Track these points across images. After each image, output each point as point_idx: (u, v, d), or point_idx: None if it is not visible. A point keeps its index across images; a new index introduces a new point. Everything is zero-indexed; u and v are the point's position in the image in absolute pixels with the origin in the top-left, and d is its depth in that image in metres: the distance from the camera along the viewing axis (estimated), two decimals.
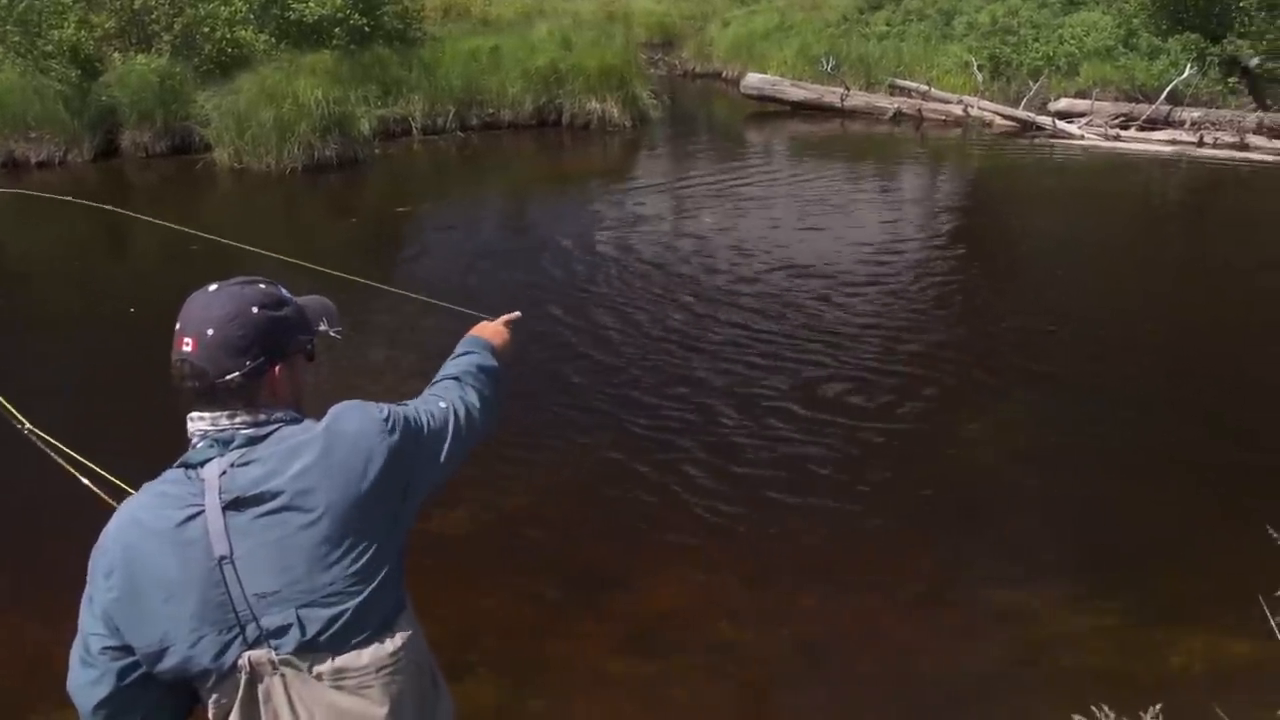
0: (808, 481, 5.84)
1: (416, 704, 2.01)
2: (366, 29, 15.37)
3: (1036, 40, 17.63)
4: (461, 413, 2.21)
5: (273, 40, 15.25)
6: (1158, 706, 2.87)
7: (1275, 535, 3.15)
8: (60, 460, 3.22)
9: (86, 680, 1.93)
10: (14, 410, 3.45)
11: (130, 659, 1.88)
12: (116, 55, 14.42)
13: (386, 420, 2.01)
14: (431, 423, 2.12)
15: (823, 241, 10.26)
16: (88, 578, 1.89)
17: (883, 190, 12.72)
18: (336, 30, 15.23)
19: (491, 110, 15.58)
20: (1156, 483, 5.90)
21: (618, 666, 4.54)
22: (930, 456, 6.18)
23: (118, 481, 2.97)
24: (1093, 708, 2.95)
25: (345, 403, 2.03)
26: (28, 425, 3.34)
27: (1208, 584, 4.92)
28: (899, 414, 6.63)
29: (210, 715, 1.93)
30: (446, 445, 2.12)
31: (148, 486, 1.94)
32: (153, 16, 14.54)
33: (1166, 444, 6.34)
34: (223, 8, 14.96)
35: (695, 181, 13.18)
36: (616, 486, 5.89)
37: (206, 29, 14.59)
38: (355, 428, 1.97)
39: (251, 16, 15.44)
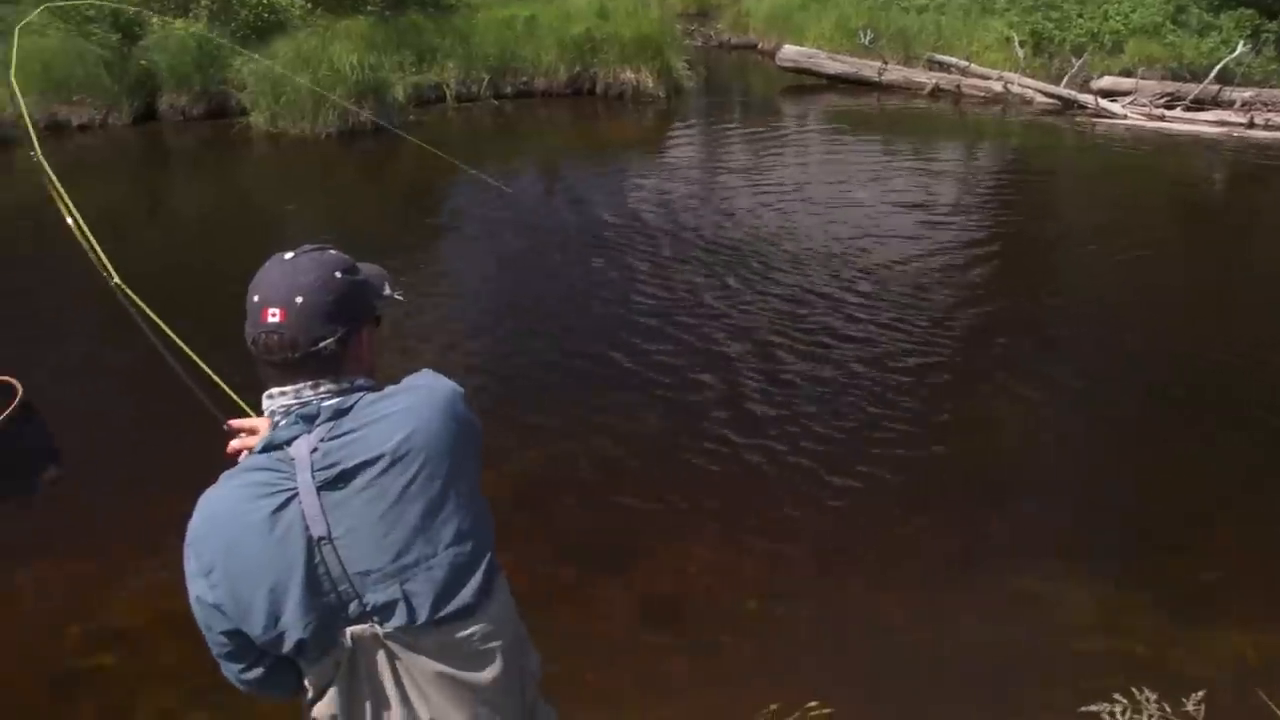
0: (833, 459, 5.83)
1: (516, 666, 2.01)
2: None
3: (1080, 16, 17.36)
4: None
5: (308, 5, 15.21)
6: (1200, 694, 2.85)
7: None
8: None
9: (233, 673, 1.96)
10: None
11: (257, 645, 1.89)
12: (155, 20, 14.44)
13: (461, 388, 2.00)
14: None
15: (854, 218, 10.17)
16: (187, 578, 1.87)
17: (917, 167, 12.58)
18: None
19: (525, 79, 15.50)
20: (1191, 468, 5.84)
21: (634, 638, 4.56)
22: (957, 436, 6.15)
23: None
24: (1133, 690, 2.93)
25: (423, 370, 2.01)
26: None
27: (1246, 569, 4.89)
28: (925, 393, 6.60)
29: (309, 689, 1.94)
30: None
31: (231, 476, 1.91)
32: None
33: (1202, 429, 6.28)
34: None
35: (727, 153, 13.12)
36: (638, 458, 5.91)
37: None
38: (443, 393, 1.96)
39: None
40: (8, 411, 3.20)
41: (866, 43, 18.18)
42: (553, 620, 4.45)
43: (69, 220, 3.59)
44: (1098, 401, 6.55)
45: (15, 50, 7.07)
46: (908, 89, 16.89)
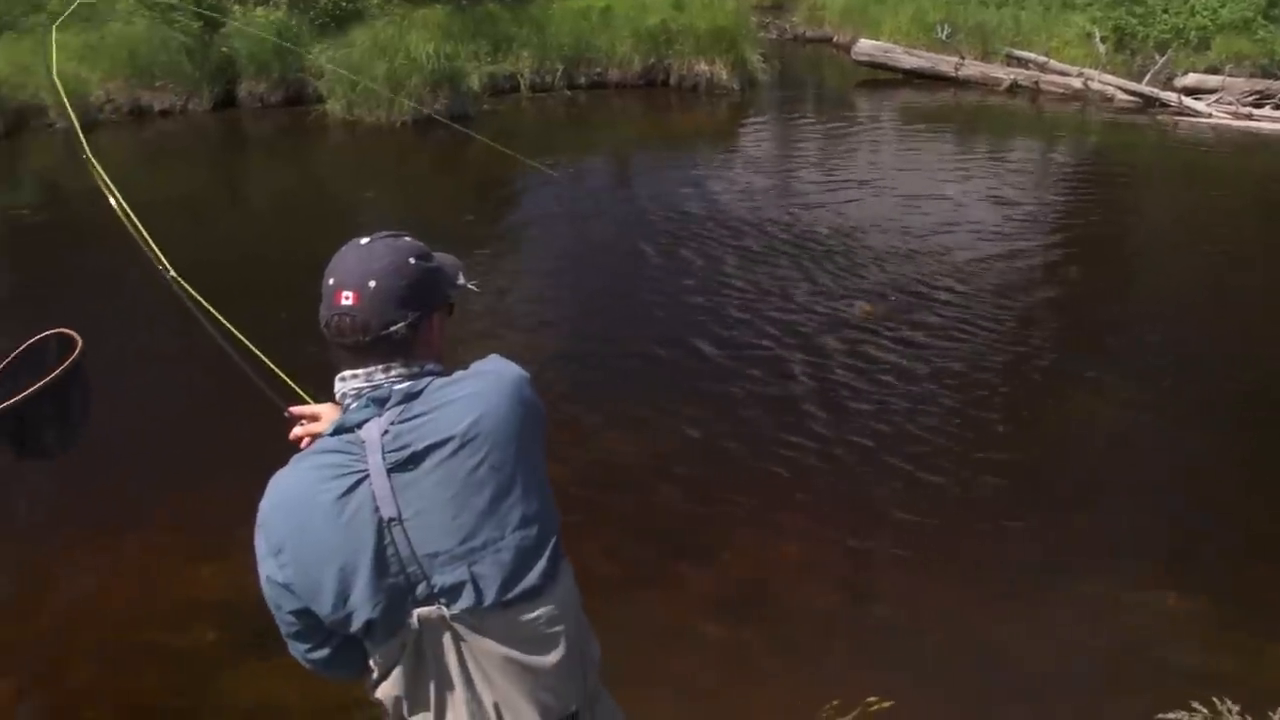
0: (916, 457, 5.77)
1: (579, 652, 2.02)
2: None
3: (1166, 11, 16.92)
4: None
5: None
6: None
7: None
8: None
9: (300, 653, 2.00)
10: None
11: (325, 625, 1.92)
12: (236, 8, 14.69)
13: (527, 373, 2.01)
14: None
15: (929, 214, 10.03)
16: (257, 557, 1.90)
17: (993, 164, 12.37)
18: None
19: (600, 69, 15.51)
20: (1269, 478, 5.67)
21: (707, 627, 4.55)
22: (1042, 436, 6.07)
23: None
24: (1214, 699, 2.85)
25: (491, 356, 2.03)
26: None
27: None
28: (1002, 393, 6.52)
29: (375, 669, 1.96)
30: None
31: (302, 458, 1.94)
32: None
33: None
34: None
35: (801, 147, 13.03)
36: (718, 449, 5.89)
37: None
38: (511, 378, 1.97)
39: None
40: (68, 362, 3.23)
41: (943, 37, 17.91)
42: (628, 605, 4.51)
43: (123, 217, 3.71)
44: (1186, 405, 6.40)
45: (54, 51, 7.22)
46: (984, 85, 16.62)
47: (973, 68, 16.94)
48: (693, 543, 5.15)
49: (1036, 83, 16.37)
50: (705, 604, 4.72)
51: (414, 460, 1.84)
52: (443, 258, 2.05)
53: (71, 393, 3.21)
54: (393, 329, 1.88)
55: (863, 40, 17.82)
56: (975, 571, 4.92)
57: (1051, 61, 16.72)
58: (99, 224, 3.64)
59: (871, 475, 5.64)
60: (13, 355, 3.26)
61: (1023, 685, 4.19)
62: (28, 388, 3.14)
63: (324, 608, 1.86)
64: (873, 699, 3.68)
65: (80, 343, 3.23)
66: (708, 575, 4.92)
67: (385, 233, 1.98)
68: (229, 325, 3.55)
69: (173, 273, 3.30)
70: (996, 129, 14.59)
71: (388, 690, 1.96)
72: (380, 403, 1.88)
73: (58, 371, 3.16)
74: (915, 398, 6.42)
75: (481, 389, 1.91)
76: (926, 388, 6.54)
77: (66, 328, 3.27)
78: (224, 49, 14.02)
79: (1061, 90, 16.10)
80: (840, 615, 4.65)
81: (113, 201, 3.75)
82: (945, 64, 17.00)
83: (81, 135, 4.76)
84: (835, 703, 3.76)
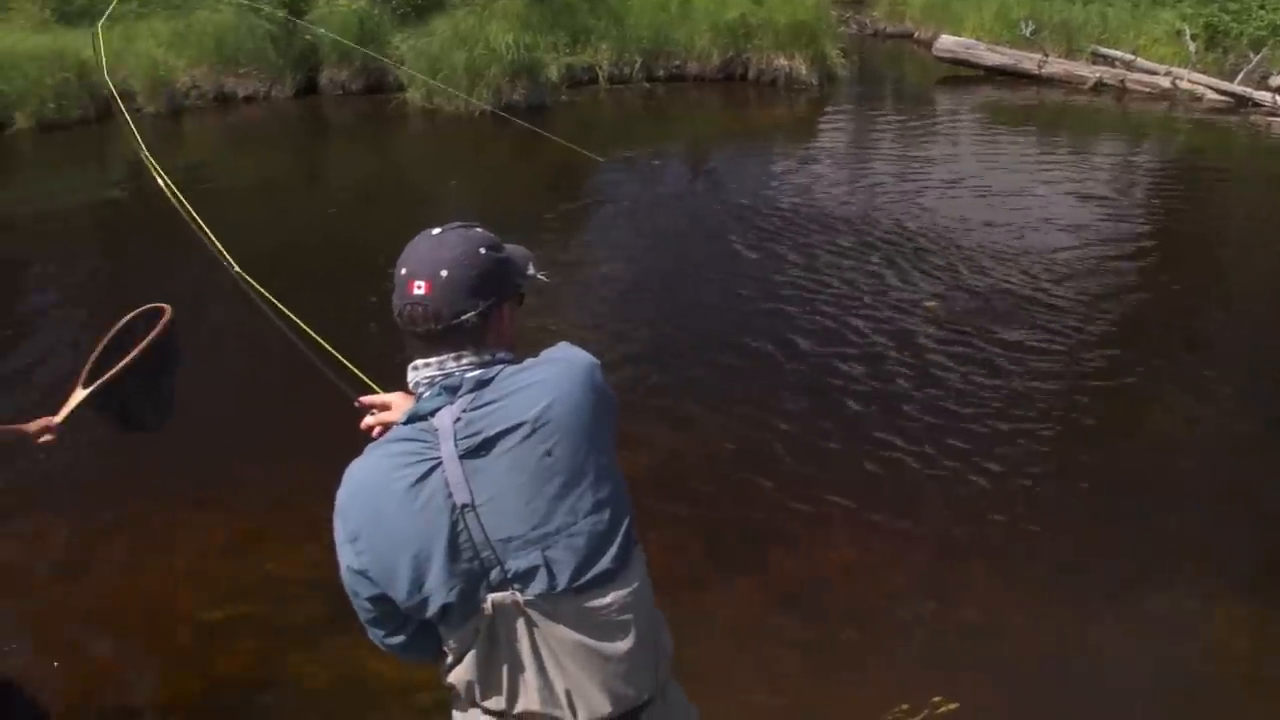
0: (980, 461, 5.66)
1: (651, 641, 2.02)
2: None
3: (1263, 8, 16.41)
4: None
5: None
6: None
7: None
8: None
9: (378, 638, 2.05)
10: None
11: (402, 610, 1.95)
12: None
13: (597, 360, 2.03)
14: None
15: (1007, 213, 9.83)
16: (336, 546, 1.94)
17: (1076, 164, 12.10)
18: None
19: (678, 62, 15.43)
20: None
21: (763, 626, 4.51)
22: (1112, 443, 5.91)
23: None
24: None
25: (560, 343, 2.05)
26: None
27: None
28: (1079, 396, 6.37)
29: (449, 654, 1.99)
30: None
31: (377, 446, 1.98)
32: None
33: None
34: None
35: (880, 144, 12.88)
36: (778, 447, 5.82)
37: None
38: (581, 365, 1.98)
39: None
40: (158, 328, 3.30)
41: (1027, 34, 17.58)
42: (684, 602, 4.43)
43: (188, 219, 3.78)
44: (1263, 415, 6.19)
45: (103, 49, 7.40)
46: (1068, 83, 16.28)
47: (1056, 65, 16.61)
48: (743, 541, 5.11)
49: (1122, 81, 16.01)
50: (774, 601, 4.67)
51: (486, 446, 1.86)
52: (513, 249, 2.09)
53: (163, 360, 3.30)
54: (464, 318, 1.91)
55: (944, 36, 17.56)
56: (1055, 577, 4.80)
57: (1139, 60, 16.33)
58: (175, 211, 3.72)
59: (949, 476, 5.53)
60: (109, 336, 3.37)
61: (1098, 696, 4.08)
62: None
63: (400, 593, 1.89)
64: (938, 699, 3.66)
65: (169, 311, 3.31)
66: (777, 572, 4.87)
67: (457, 223, 2.02)
68: (296, 319, 3.61)
69: (237, 269, 3.36)
70: (1080, 128, 14.30)
71: (460, 674, 1.99)
72: (452, 390, 1.91)
73: (151, 336, 3.24)
74: (996, 399, 6.29)
75: (552, 375, 1.93)
76: (1009, 389, 6.41)
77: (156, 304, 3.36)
78: (307, 37, 14.19)
79: (1148, 89, 15.73)
80: (912, 616, 4.56)
81: (175, 202, 3.82)
82: (1028, 61, 16.68)
83: (138, 137, 4.87)
84: (905, 706, 3.72)
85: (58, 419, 3.24)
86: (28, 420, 3.22)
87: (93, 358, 3.31)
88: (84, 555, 4.95)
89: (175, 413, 3.46)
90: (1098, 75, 16.20)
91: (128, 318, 3.38)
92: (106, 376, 3.23)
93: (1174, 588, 4.68)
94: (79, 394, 3.25)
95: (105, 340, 3.35)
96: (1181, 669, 4.23)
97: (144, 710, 4.15)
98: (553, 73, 14.08)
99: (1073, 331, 7.19)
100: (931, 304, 7.58)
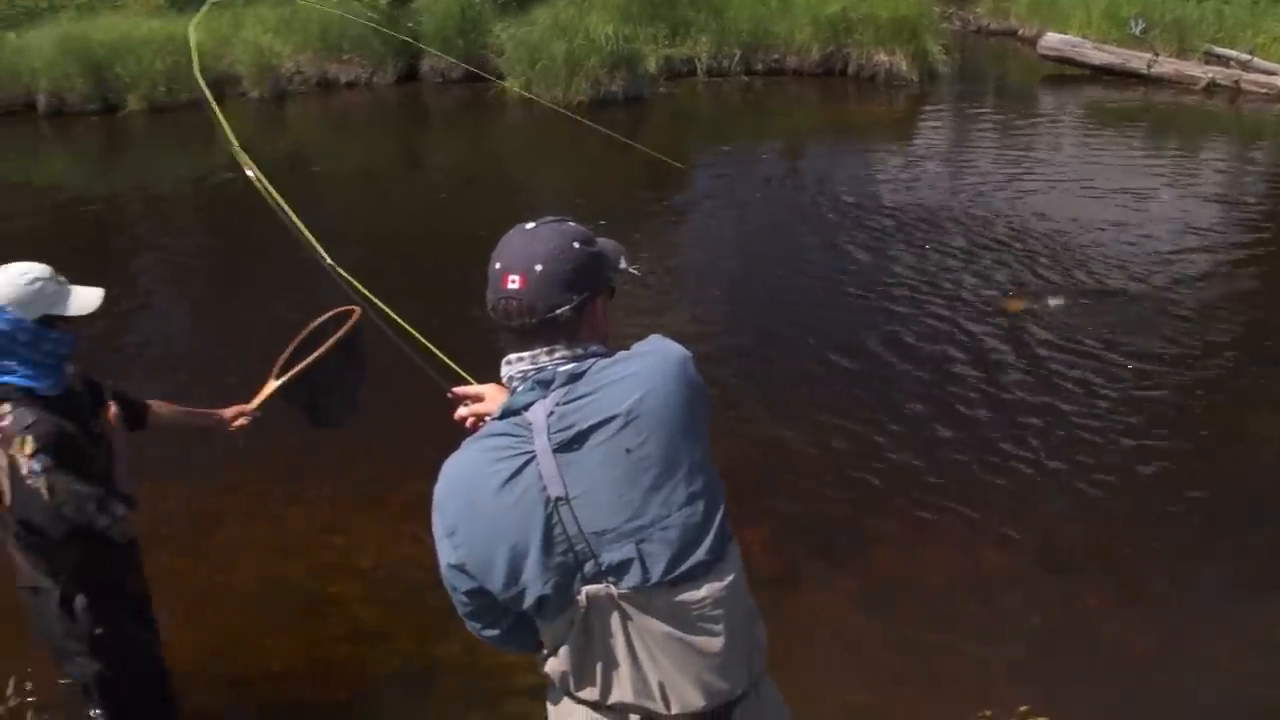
0: (1080, 467, 5.54)
1: (745, 635, 2.02)
2: None
3: None
4: None
5: None
6: None
7: None
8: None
9: (476, 630, 2.08)
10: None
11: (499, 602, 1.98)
12: None
13: (689, 353, 2.02)
14: None
15: (1110, 215, 9.53)
16: (435, 540, 1.97)
17: (1184, 165, 11.71)
18: None
19: (777, 56, 15.30)
20: None
21: (858, 627, 4.48)
22: (1226, 455, 5.74)
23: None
24: None
25: (652, 336, 2.04)
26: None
27: None
28: (1195, 407, 6.19)
29: (545, 645, 2.02)
30: None
31: (473, 442, 1.99)
32: None
33: None
34: None
35: (980, 143, 12.60)
36: (874, 446, 5.78)
37: None
38: (674, 358, 1.97)
39: None
40: (344, 328, 3.49)
41: (1137, 33, 17.06)
42: (780, 597, 4.46)
43: (281, 213, 3.89)
44: None
45: (196, 47, 7.53)
46: (1179, 83, 15.76)
47: (1167, 65, 16.10)
48: (835, 539, 5.09)
49: (1237, 82, 15.45)
50: (870, 600, 4.65)
51: (579, 440, 1.87)
52: (604, 242, 2.09)
53: (348, 359, 3.53)
54: (558, 312, 1.92)
55: (1050, 34, 17.12)
56: (1159, 590, 4.70)
57: (1256, 59, 15.75)
58: (279, 190, 3.78)
59: (1040, 483, 5.44)
60: (303, 334, 3.64)
61: (1189, 713, 3.99)
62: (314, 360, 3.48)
63: (496, 586, 1.91)
64: (1024, 708, 3.57)
65: (357, 313, 3.53)
66: (875, 571, 4.84)
67: (550, 218, 2.02)
68: (390, 312, 3.73)
69: (329, 261, 3.43)
70: (1190, 130, 13.85)
71: (556, 665, 2.00)
72: (545, 384, 1.92)
73: (336, 336, 3.49)
74: (1089, 405, 6.15)
75: (644, 369, 1.92)
76: (1103, 395, 6.26)
77: (345, 305, 3.59)
78: (410, 24, 14.35)
79: (1265, 91, 15.17)
80: (1007, 623, 4.50)
81: (271, 202, 3.91)
82: (1137, 60, 16.20)
83: (229, 130, 4.95)
84: (988, 712, 3.65)
85: (251, 406, 3.57)
86: (225, 407, 3.61)
87: (286, 352, 3.60)
88: (203, 526, 5.13)
89: (361, 410, 3.67)
90: (1210, 75, 15.66)
91: (321, 319, 3.63)
92: (294, 371, 3.50)
93: (1271, 605, 4.53)
94: (271, 385, 3.55)
95: (300, 337, 3.62)
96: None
97: (254, 672, 4.26)
98: (651, 64, 14.07)
99: (1188, 337, 6.99)
100: (1019, 303, 7.44)
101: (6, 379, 2.97)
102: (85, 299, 3.07)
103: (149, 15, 14.08)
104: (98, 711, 3.42)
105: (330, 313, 3.62)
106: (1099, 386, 6.35)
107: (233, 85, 13.41)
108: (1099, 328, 7.14)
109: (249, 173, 4.30)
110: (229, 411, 3.59)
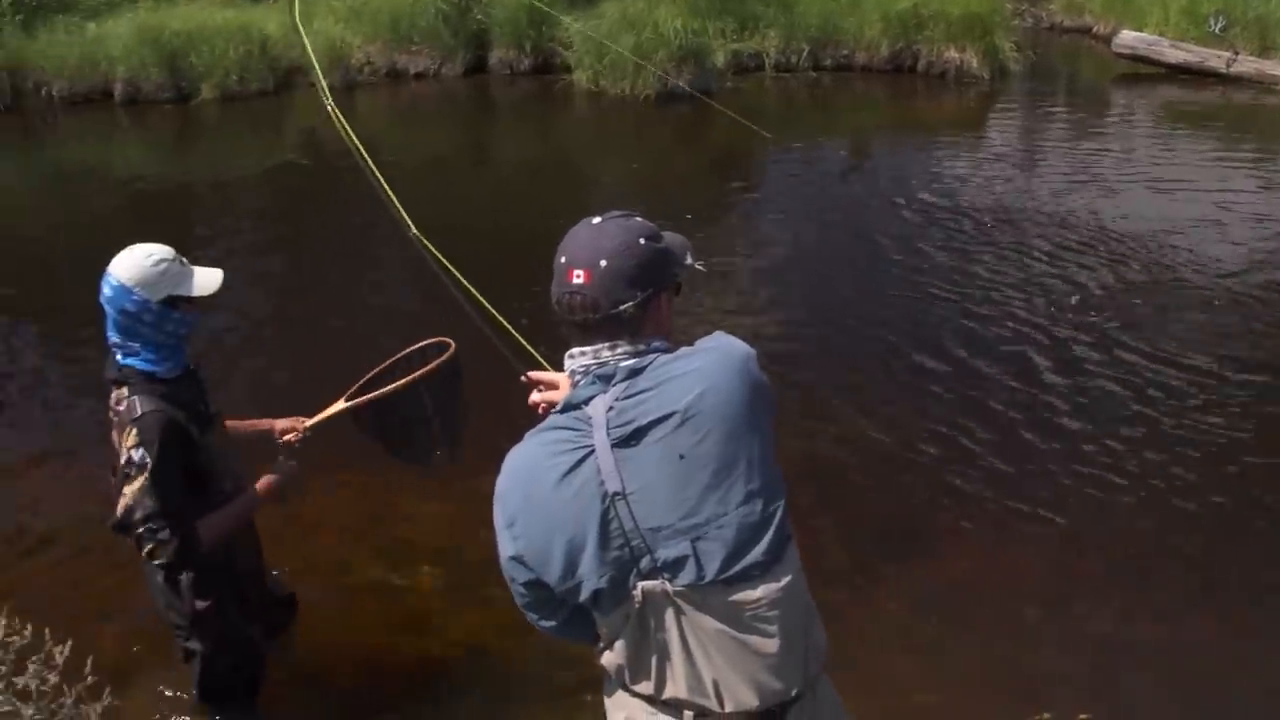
0: (1143, 475, 5.46)
1: (801, 635, 2.01)
2: None
3: None
4: None
5: None
6: None
7: None
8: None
9: (534, 621, 2.11)
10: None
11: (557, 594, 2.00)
12: None
13: (753, 350, 2.02)
14: None
15: (1181, 216, 9.29)
16: (496, 531, 1.99)
17: (1261, 168, 11.40)
18: None
19: (846, 52, 15.14)
20: None
21: (921, 626, 4.46)
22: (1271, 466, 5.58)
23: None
24: None
25: (715, 333, 2.04)
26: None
27: None
28: (1242, 421, 6.00)
29: (601, 638, 2.03)
30: None
31: (534, 434, 2.00)
32: None
33: None
34: None
35: (1051, 142, 12.40)
36: (932, 449, 5.73)
37: None
38: (736, 355, 1.96)
39: None
40: (428, 366, 3.36)
41: (1216, 30, 16.69)
42: (845, 594, 4.50)
43: (370, 176, 3.84)
44: None
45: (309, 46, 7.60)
46: (1259, 83, 15.39)
47: (1247, 64, 15.73)
48: (891, 540, 5.06)
49: None
50: (929, 601, 4.61)
51: (637, 435, 1.87)
52: (671, 238, 2.08)
53: (437, 395, 3.34)
54: (622, 308, 1.93)
55: (1125, 32, 16.81)
56: (1225, 607, 4.60)
57: None
58: (350, 178, 3.75)
59: (1087, 489, 5.37)
60: (389, 361, 3.50)
61: None
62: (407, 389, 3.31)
63: (553, 577, 1.93)
64: (1085, 716, 3.56)
65: (451, 349, 3.36)
66: (904, 575, 4.81)
67: (616, 212, 2.03)
68: (469, 285, 3.62)
69: (414, 230, 3.39)
70: (1269, 131, 13.50)
71: (611, 659, 2.02)
72: (606, 380, 1.93)
73: (417, 374, 3.32)
74: (1177, 412, 6.04)
75: (705, 365, 1.91)
76: (1191, 401, 6.15)
77: (443, 337, 3.45)
78: (480, 16, 14.39)
79: None
80: (1057, 628, 4.47)
81: (361, 162, 3.88)
82: (1215, 59, 15.84)
83: (325, 88, 4.96)
84: (1047, 715, 3.64)
85: (309, 421, 3.48)
86: (281, 417, 3.53)
87: (366, 377, 3.48)
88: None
89: (458, 456, 3.49)
90: None
91: (413, 347, 3.49)
92: (362, 399, 3.37)
93: None
94: (337, 405, 3.44)
95: (384, 365, 3.49)
96: None
97: (312, 658, 4.29)
98: (719, 59, 13.97)
99: (1245, 349, 6.85)
100: (1140, 305, 7.32)
101: (130, 361, 3.02)
102: (207, 280, 3.10)
103: (223, 5, 14.23)
104: (194, 691, 3.48)
105: (425, 342, 3.49)
106: (1185, 391, 6.24)
107: (304, 75, 13.52)
108: (1187, 330, 7.02)
109: (347, 138, 4.30)
110: (282, 423, 3.51)
